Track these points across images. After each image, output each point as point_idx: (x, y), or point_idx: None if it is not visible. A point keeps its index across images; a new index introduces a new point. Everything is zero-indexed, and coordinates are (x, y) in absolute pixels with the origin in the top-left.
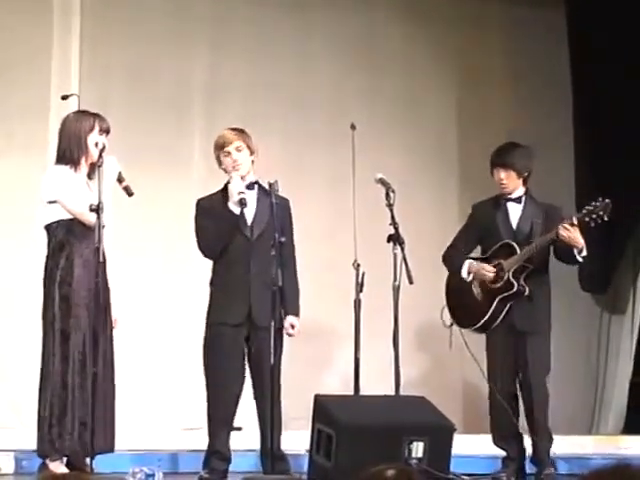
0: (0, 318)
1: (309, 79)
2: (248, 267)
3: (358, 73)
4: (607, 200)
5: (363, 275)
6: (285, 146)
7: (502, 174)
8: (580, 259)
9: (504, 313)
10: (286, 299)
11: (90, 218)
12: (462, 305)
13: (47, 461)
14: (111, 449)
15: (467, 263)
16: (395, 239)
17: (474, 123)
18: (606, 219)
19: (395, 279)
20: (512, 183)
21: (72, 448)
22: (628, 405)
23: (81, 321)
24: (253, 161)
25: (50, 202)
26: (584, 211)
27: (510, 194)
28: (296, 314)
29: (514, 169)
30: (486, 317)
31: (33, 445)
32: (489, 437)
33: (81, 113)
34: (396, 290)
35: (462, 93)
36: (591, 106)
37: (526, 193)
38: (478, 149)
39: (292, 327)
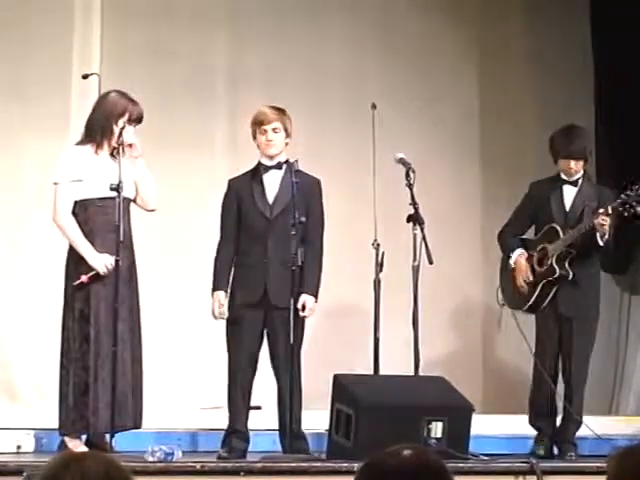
0: (22, 297)
1: (330, 58)
2: (266, 246)
3: (377, 52)
4: None
5: (383, 255)
6: (305, 125)
7: (573, 164)
8: (601, 243)
9: (550, 297)
10: (303, 278)
11: (60, 221)
12: (511, 286)
13: (66, 439)
14: (138, 426)
15: (516, 254)
16: (415, 219)
17: (495, 102)
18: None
19: (415, 259)
20: (580, 169)
21: (95, 427)
22: None
23: (101, 301)
24: (287, 143)
25: (53, 184)
26: (618, 200)
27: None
28: (312, 294)
29: (585, 159)
30: (530, 302)
31: (53, 423)
32: (508, 417)
33: (118, 96)
34: (415, 270)
35: (483, 71)
36: (613, 80)
37: (584, 175)
38: (500, 128)
39: (303, 307)
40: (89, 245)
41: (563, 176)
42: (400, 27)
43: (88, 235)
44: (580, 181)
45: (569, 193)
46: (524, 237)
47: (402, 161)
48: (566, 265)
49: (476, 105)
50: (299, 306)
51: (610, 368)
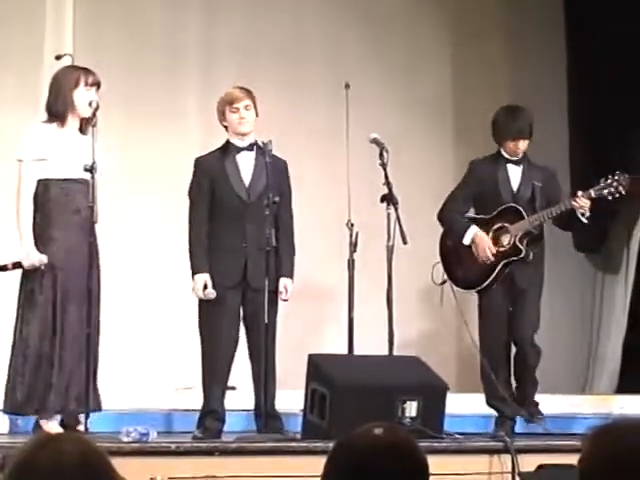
0: None
1: (305, 35)
2: (244, 229)
3: (354, 29)
4: (626, 174)
5: (357, 235)
6: (280, 103)
7: (521, 144)
8: (585, 221)
9: (504, 275)
10: (280, 261)
11: (21, 201)
12: (460, 265)
13: (41, 421)
14: (98, 408)
15: (472, 232)
16: (389, 199)
17: (470, 81)
18: (623, 193)
19: (389, 239)
20: (525, 148)
21: (47, 408)
22: (622, 364)
23: (56, 281)
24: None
25: (18, 160)
26: (601, 184)
27: None
28: (290, 276)
29: (531, 137)
30: (488, 281)
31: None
32: (482, 396)
33: (68, 68)
34: (389, 250)
35: (458, 50)
36: (585, 72)
37: (524, 155)
38: (474, 107)
39: (285, 290)
40: (31, 238)
41: (505, 155)
42: (378, 5)
43: (48, 215)
44: (522, 160)
45: (514, 172)
46: (473, 216)
47: (376, 141)
48: (524, 244)
49: (451, 83)
50: (281, 289)
51: (584, 347)
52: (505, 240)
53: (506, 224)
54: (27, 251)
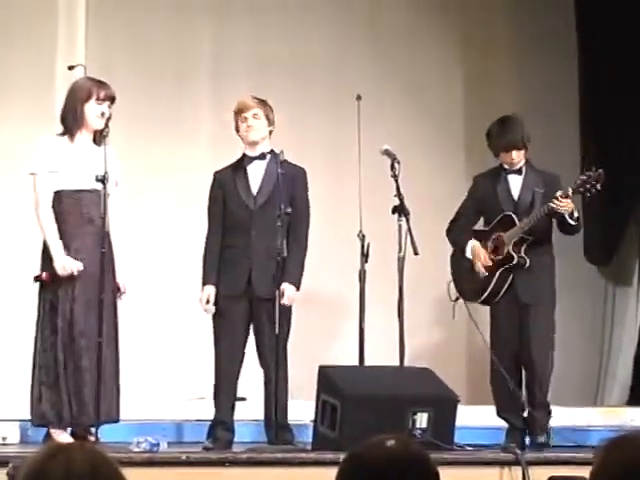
0: (4, 284)
1: (313, 48)
2: (249, 237)
3: (362, 43)
4: (600, 170)
5: (368, 246)
6: (290, 116)
7: (514, 154)
8: (573, 222)
9: (507, 285)
10: (285, 267)
11: (41, 213)
12: (466, 278)
13: (52, 431)
14: (116, 419)
15: (470, 245)
16: (400, 210)
17: (480, 92)
18: (599, 189)
19: (400, 250)
20: (522, 158)
21: (66, 419)
22: (633, 377)
23: (73, 292)
24: (271, 132)
25: (30, 174)
26: (577, 182)
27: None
28: (293, 283)
29: (525, 147)
30: (488, 290)
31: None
32: (493, 408)
33: (83, 80)
34: (401, 261)
35: (467, 62)
36: (597, 75)
37: (526, 162)
38: (484, 119)
39: (283, 295)
40: (60, 245)
41: (505, 166)
42: (385, 16)
43: (62, 226)
44: (524, 169)
45: (515, 182)
46: (475, 228)
47: (387, 152)
48: (522, 252)
49: (461, 95)
50: (279, 294)
51: (595, 359)
52: (502, 249)
53: (502, 233)
54: (61, 261)
